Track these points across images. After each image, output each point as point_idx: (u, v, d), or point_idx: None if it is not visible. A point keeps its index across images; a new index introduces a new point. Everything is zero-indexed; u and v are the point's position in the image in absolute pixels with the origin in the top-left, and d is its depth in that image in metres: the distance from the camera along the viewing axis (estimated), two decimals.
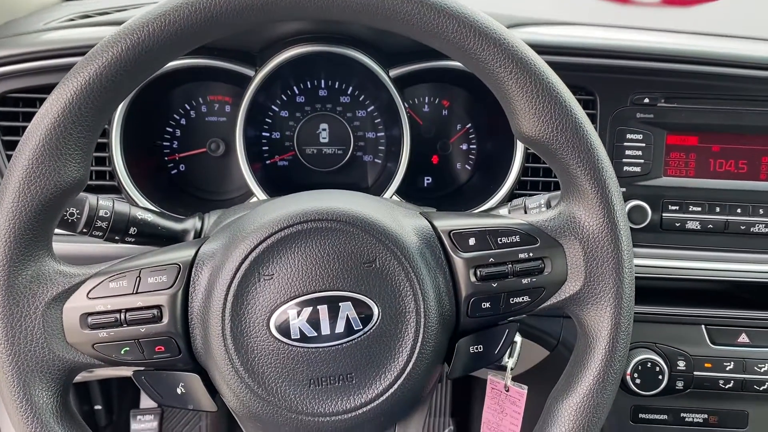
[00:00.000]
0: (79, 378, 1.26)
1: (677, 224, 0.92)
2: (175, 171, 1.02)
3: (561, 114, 0.58)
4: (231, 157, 1.01)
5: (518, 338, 0.82)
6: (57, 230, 0.85)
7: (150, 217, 0.74)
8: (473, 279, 0.60)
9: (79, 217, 0.70)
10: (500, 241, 0.61)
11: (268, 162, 1.02)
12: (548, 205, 0.76)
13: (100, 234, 0.71)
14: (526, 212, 0.79)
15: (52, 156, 0.55)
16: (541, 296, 0.61)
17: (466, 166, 1.05)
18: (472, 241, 0.61)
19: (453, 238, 0.61)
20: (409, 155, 0.95)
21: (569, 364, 0.64)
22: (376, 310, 0.58)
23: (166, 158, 1.02)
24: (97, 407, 1.35)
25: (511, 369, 0.82)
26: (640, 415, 0.94)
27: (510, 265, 0.60)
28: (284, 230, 0.58)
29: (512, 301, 0.61)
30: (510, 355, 0.81)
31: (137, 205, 0.77)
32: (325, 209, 0.59)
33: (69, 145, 0.55)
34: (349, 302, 0.58)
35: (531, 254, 0.61)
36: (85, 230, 0.71)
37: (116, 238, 0.72)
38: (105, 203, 0.71)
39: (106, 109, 0.57)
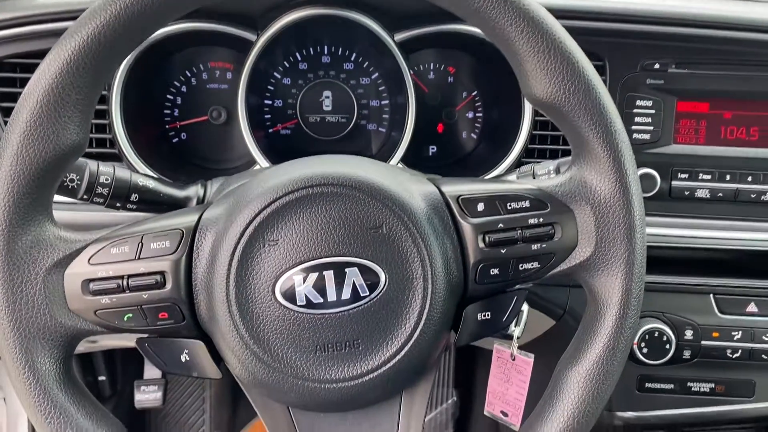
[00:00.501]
0: (82, 349, 1.27)
1: (686, 192, 0.91)
2: (177, 140, 1.01)
3: (573, 75, 0.56)
4: (233, 126, 0.99)
5: (525, 307, 0.81)
6: (57, 198, 0.85)
7: (152, 184, 0.73)
8: (482, 245, 0.59)
9: (80, 184, 0.68)
10: (509, 206, 0.60)
11: (270, 130, 1.01)
12: (558, 171, 0.75)
13: (101, 201, 0.70)
14: (534, 178, 0.77)
15: (50, 119, 0.53)
16: (550, 262, 0.60)
17: (472, 134, 1.03)
18: (480, 207, 0.60)
19: (461, 203, 0.60)
20: (414, 123, 0.93)
21: (578, 331, 0.63)
22: (382, 276, 0.57)
23: (167, 126, 1.00)
24: (101, 378, 1.35)
25: (518, 338, 0.81)
26: (647, 385, 0.93)
27: (519, 231, 0.59)
28: (289, 195, 0.57)
29: (521, 267, 0.60)
30: (516, 324, 0.81)
31: (138, 172, 0.76)
32: (330, 174, 0.58)
33: (67, 107, 0.54)
34: (356, 268, 0.57)
35: (541, 220, 0.60)
36: (85, 197, 0.69)
37: (117, 204, 0.71)
38: (106, 169, 0.70)
39: (104, 71, 0.55)
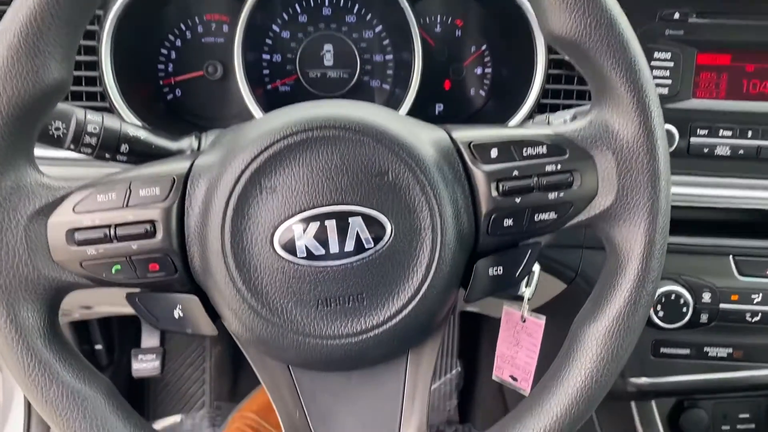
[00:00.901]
0: (77, 316, 1.24)
1: (706, 149, 0.87)
2: (171, 96, 0.96)
3: (595, 8, 0.52)
4: (230, 81, 0.95)
5: (536, 267, 0.78)
6: (46, 153, 0.81)
7: (143, 135, 0.69)
8: (495, 193, 0.55)
9: (66, 132, 0.64)
10: (525, 152, 0.55)
11: (269, 86, 0.96)
12: (575, 119, 0.70)
13: (89, 151, 0.66)
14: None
15: (29, 53, 0.49)
16: (568, 212, 0.56)
17: (481, 91, 0.99)
18: (494, 153, 0.56)
19: (473, 149, 0.56)
20: (420, 80, 0.89)
21: (596, 286, 0.59)
22: (388, 227, 0.53)
23: (161, 83, 0.96)
24: (98, 347, 1.32)
25: (528, 299, 0.78)
26: (662, 350, 0.90)
27: (535, 179, 0.55)
28: (288, 138, 0.53)
29: (537, 218, 0.56)
30: (527, 285, 0.77)
31: (129, 123, 0.71)
32: (333, 116, 0.53)
33: (47, 41, 0.50)
34: (360, 217, 0.53)
35: (559, 167, 0.55)
36: (72, 146, 0.65)
37: (107, 155, 0.67)
38: (94, 118, 0.66)
39: (87, 3, 0.51)
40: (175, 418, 1.51)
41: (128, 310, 0.58)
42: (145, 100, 0.91)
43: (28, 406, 1.21)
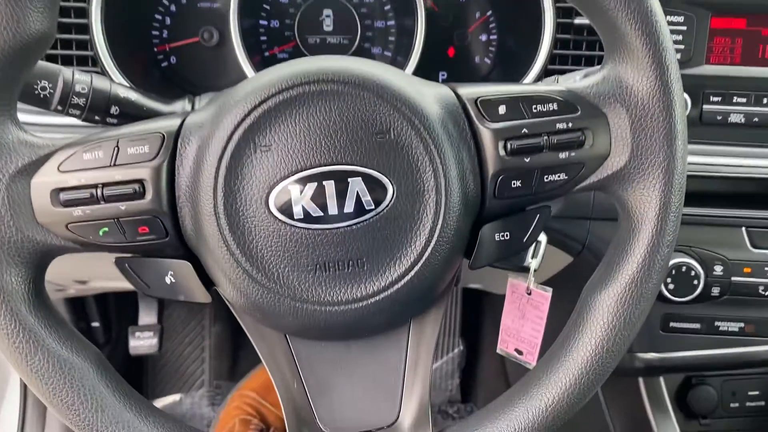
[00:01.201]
0: (72, 292, 1.21)
1: (719, 117, 0.84)
2: (166, 63, 0.93)
3: None
4: (226, 48, 0.92)
5: (543, 237, 0.75)
6: (35, 119, 0.78)
7: (134, 96, 0.66)
8: (502, 153, 0.52)
9: (53, 92, 0.61)
10: (535, 109, 0.53)
11: (267, 53, 0.93)
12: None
13: (78, 113, 0.63)
14: None
15: (8, 2, 0.46)
16: (579, 173, 0.54)
17: (486, 59, 0.96)
18: (502, 110, 0.53)
19: (480, 105, 0.53)
20: (423, 47, 0.85)
21: (608, 252, 0.56)
22: (390, 188, 0.50)
23: (155, 49, 0.93)
24: (94, 324, 1.30)
25: (535, 270, 0.75)
26: (671, 324, 0.88)
27: (545, 137, 0.52)
28: (283, 93, 0.50)
29: (546, 179, 0.53)
30: (534, 255, 0.74)
31: (119, 84, 0.68)
32: (331, 69, 0.50)
33: None
34: (360, 178, 0.50)
35: (570, 125, 0.53)
36: (60, 107, 0.62)
37: (96, 118, 0.64)
38: (82, 77, 0.63)
39: None
40: (174, 397, 1.50)
41: (125, 285, 0.55)
42: (139, 68, 0.88)
43: (24, 388, 1.20)
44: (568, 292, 0.65)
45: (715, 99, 0.84)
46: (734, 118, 0.84)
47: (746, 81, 0.83)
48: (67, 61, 0.81)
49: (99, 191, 0.50)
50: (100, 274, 1.02)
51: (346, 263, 0.51)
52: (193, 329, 1.52)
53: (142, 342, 1.23)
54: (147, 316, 1.30)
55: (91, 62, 0.82)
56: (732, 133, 0.84)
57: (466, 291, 1.54)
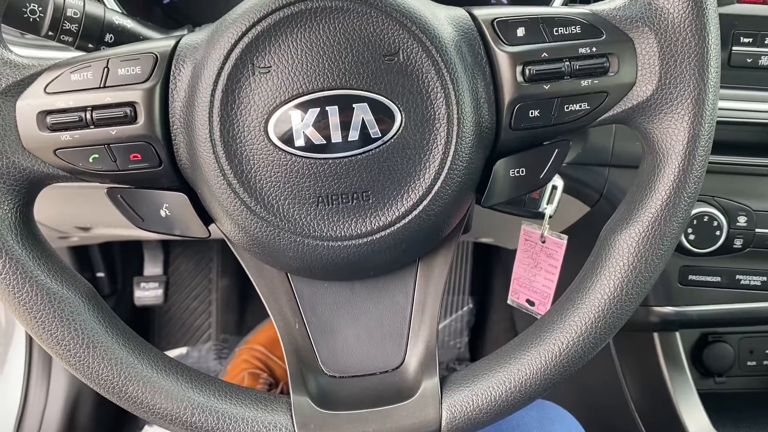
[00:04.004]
0: (75, 239, 1.20)
1: (749, 60, 0.79)
2: (168, 0, 0.89)
3: None
4: None
5: (559, 182, 0.71)
6: (28, 52, 0.74)
7: (130, 24, 0.62)
8: (520, 79, 0.49)
9: (42, 16, 0.58)
10: (556, 32, 0.49)
11: None
12: None
13: (70, 40, 0.60)
14: None
15: None
16: (602, 103, 0.50)
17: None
18: (520, 32, 0.49)
19: (497, 27, 0.49)
20: None
21: (630, 191, 0.53)
22: (398, 115, 0.47)
23: None
24: (99, 274, 1.29)
25: (550, 216, 0.72)
26: (690, 277, 0.84)
27: (567, 63, 0.48)
28: (283, 9, 0.46)
29: (567, 108, 0.49)
30: (549, 201, 0.71)
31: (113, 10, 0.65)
32: None
33: None
34: (366, 104, 0.46)
35: (594, 49, 0.49)
36: (51, 33, 0.59)
37: (90, 45, 0.61)
38: (74, 2, 0.59)
39: None
40: (181, 350, 1.49)
41: (128, 233, 0.53)
42: (140, 5, 0.85)
43: (30, 338, 1.19)
44: (583, 244, 0.62)
45: (746, 40, 0.79)
46: (765, 61, 0.79)
47: None
48: None
49: (88, 115, 0.47)
50: (102, 219, 1.00)
51: (349, 196, 0.48)
52: (200, 283, 1.51)
53: (147, 293, 1.21)
54: (152, 267, 1.29)
55: None
56: (763, 76, 0.80)
57: (476, 248, 1.52)
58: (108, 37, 0.61)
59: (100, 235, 1.13)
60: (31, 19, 0.58)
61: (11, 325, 1.19)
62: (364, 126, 0.47)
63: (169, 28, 0.86)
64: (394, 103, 0.47)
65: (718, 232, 0.80)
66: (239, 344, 1.41)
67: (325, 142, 0.47)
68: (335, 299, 0.55)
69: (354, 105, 0.46)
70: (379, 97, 0.47)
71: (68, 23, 0.59)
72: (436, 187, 0.48)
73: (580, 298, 0.52)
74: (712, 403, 0.94)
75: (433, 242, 0.53)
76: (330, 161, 0.47)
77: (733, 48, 0.79)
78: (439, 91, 0.47)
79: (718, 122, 0.69)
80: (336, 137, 0.47)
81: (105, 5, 0.66)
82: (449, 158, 0.48)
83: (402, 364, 0.55)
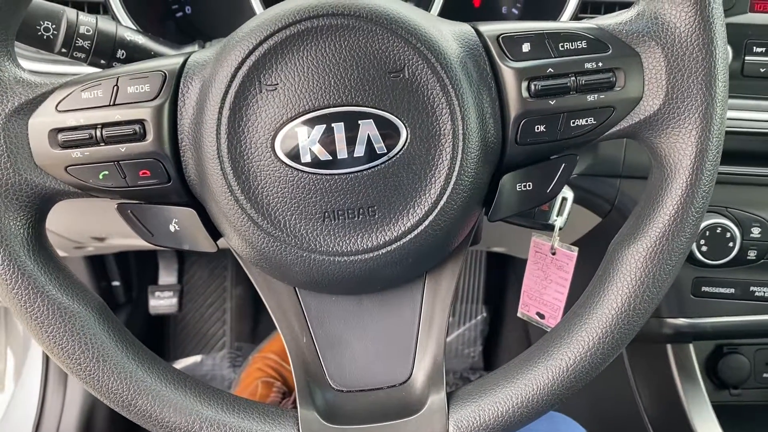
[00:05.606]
0: (91, 250, 1.21)
1: (762, 70, 0.78)
2: (181, 14, 0.90)
3: None
4: None
5: (569, 194, 0.71)
6: (39, 67, 0.76)
7: (141, 40, 0.63)
8: (525, 94, 0.49)
9: (56, 33, 0.59)
10: (562, 47, 0.49)
11: None
12: None
13: (83, 56, 0.61)
14: None
15: None
16: (609, 118, 0.50)
17: (513, 9, 0.91)
18: (526, 47, 0.49)
19: (502, 43, 0.49)
20: None
21: (638, 205, 0.53)
22: (403, 131, 0.47)
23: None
24: (115, 283, 1.30)
25: (560, 228, 0.71)
26: (703, 289, 0.83)
27: (573, 78, 0.48)
28: (289, 28, 0.47)
29: (573, 123, 0.49)
30: (560, 213, 0.71)
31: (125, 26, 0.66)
32: (342, 2, 0.47)
33: None
34: (371, 120, 0.47)
35: (600, 64, 0.49)
36: (64, 50, 0.60)
37: (102, 62, 0.62)
38: (87, 19, 0.61)
39: None
40: (195, 359, 1.50)
41: (143, 243, 0.54)
42: (153, 20, 0.86)
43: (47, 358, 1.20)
44: (594, 256, 0.61)
45: (759, 50, 0.78)
46: None
47: None
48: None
49: (98, 132, 0.48)
50: (116, 230, 1.01)
51: (356, 211, 0.48)
52: (214, 291, 1.52)
53: (161, 302, 1.22)
54: (167, 276, 1.30)
55: (102, 12, 0.79)
56: None
57: (489, 257, 1.51)
58: (120, 53, 0.62)
59: (115, 245, 1.15)
60: (44, 37, 0.59)
61: (28, 334, 1.21)
62: (369, 142, 0.47)
63: (181, 42, 0.87)
64: (400, 120, 0.47)
65: (731, 244, 0.79)
66: (253, 352, 1.42)
67: (331, 158, 0.47)
68: (343, 313, 0.55)
69: (360, 121, 0.47)
70: (385, 114, 0.47)
71: (81, 40, 0.60)
72: (442, 202, 0.48)
73: (587, 313, 0.51)
74: (726, 416, 0.92)
75: (440, 256, 0.53)
76: (336, 177, 0.47)
77: (746, 58, 0.79)
78: (445, 107, 0.47)
79: (731, 132, 0.68)
80: (342, 153, 0.47)
81: (118, 21, 0.68)
82: (455, 173, 0.48)
83: (409, 378, 0.55)
